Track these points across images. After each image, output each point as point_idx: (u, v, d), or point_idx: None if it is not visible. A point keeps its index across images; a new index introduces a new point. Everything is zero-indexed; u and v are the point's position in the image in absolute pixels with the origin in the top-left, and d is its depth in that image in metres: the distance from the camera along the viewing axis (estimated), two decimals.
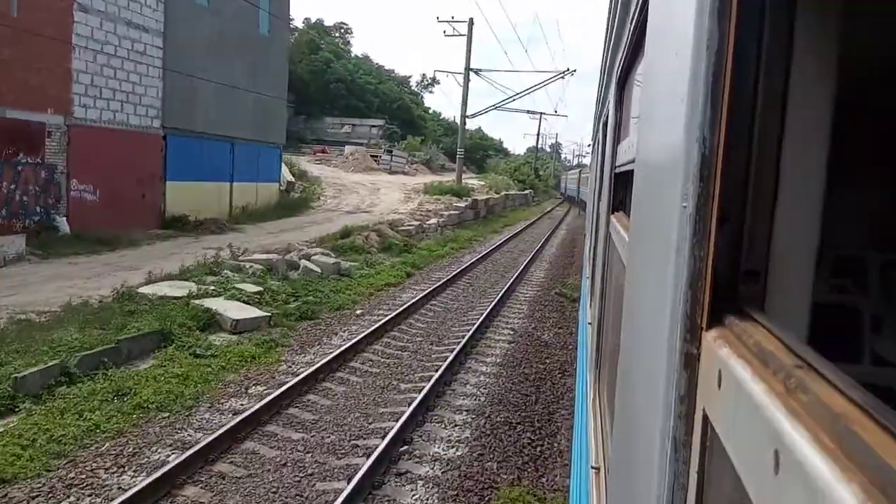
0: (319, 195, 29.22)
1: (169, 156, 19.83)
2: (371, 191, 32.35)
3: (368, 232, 19.78)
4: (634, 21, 1.76)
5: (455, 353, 9.51)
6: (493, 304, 13.23)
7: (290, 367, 8.77)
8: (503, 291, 14.69)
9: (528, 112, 35.00)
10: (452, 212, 28.45)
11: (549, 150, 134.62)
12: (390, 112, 66.20)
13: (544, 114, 35.54)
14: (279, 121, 26.44)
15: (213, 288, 11.33)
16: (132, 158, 18.34)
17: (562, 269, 20.85)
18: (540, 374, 9.37)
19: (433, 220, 25.48)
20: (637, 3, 1.65)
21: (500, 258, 21.28)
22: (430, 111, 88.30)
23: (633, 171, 1.36)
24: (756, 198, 0.67)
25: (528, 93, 33.55)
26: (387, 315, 11.53)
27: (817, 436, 0.43)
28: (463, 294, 14.75)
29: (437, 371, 8.64)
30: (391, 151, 46.20)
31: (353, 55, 70.22)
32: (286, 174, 28.62)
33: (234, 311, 10.39)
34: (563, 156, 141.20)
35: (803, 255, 0.70)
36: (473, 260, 19.37)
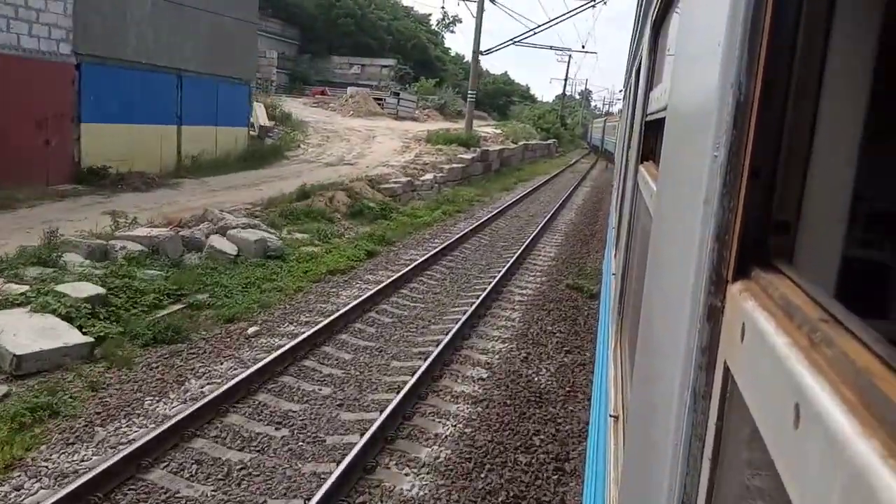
0: (300, 143, 24.95)
1: (84, 91, 15.62)
2: (365, 138, 27.98)
3: (335, 192, 15.57)
4: None
5: (363, 443, 5.27)
6: (474, 307, 9.06)
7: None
8: (494, 283, 10.50)
9: (551, 48, 29.99)
10: (456, 165, 24.05)
11: (578, 97, 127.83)
12: (404, 52, 60.86)
13: (571, 50, 30.46)
14: (247, 50, 21.95)
15: (23, 290, 7.29)
16: (26, 94, 14.21)
17: (581, 243, 16.57)
18: (522, 477, 5.23)
19: (429, 176, 21.16)
20: None
21: (503, 227, 16.98)
22: (452, 53, 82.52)
23: (664, 118, 1.35)
24: (790, 149, 0.66)
25: (553, 24, 28.51)
26: (295, 337, 7.42)
27: (839, 390, 0.43)
28: (434, 289, 10.55)
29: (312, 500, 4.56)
30: (398, 94, 41.43)
31: None
32: (260, 117, 24.32)
33: (31, 336, 6.37)
34: (593, 104, 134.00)
35: (836, 208, 0.69)
36: (466, 230, 15.12)
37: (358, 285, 10.11)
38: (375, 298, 9.32)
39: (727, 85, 0.69)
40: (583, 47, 31.41)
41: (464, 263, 12.49)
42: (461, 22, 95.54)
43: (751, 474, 0.63)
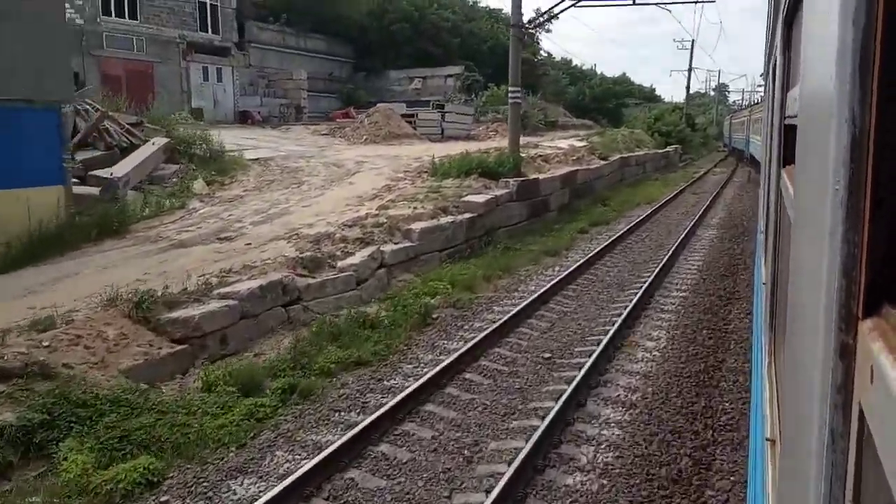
0: (203, 195, 15.11)
1: None
2: (336, 178, 17.68)
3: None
4: None
5: None
6: None
7: None
8: None
9: (633, 2, 18.08)
10: (446, 220, 13.10)
11: (713, 93, 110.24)
12: (479, 57, 50.36)
13: (666, 2, 18.46)
14: (55, 59, 12.43)
15: None
16: None
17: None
18: None
19: (358, 257, 10.41)
20: None
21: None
22: (543, 55, 70.98)
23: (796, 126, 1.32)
24: None
25: None
26: None
27: None
28: None
29: None
30: (442, 107, 30.96)
31: None
32: (129, 164, 14.77)
33: None
34: (731, 99, 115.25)
35: None
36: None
37: None
38: None
39: (843, 115, 0.68)
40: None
41: None
42: (557, 19, 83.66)
43: None
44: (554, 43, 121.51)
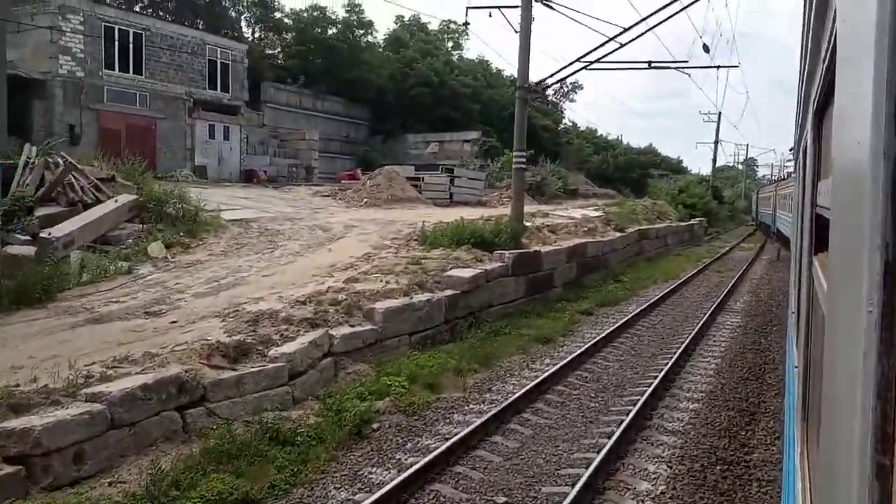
0: (161, 258, 13.57)
1: None
2: (317, 243, 16.10)
3: None
4: (827, 56, 1.62)
5: None
6: None
7: None
8: None
9: (649, 66, 16.66)
10: (421, 297, 11.29)
11: (741, 166, 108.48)
12: (498, 123, 49.57)
13: (688, 66, 17.07)
14: None
15: None
16: None
17: None
18: None
19: (297, 345, 8.58)
20: (829, 37, 1.48)
21: None
22: (568, 124, 70.51)
23: (829, 220, 1.31)
24: None
25: (651, 23, 15.35)
26: None
27: None
28: None
29: None
30: (451, 170, 29.63)
31: (456, 56, 54.86)
32: (83, 220, 13.37)
33: None
34: (760, 173, 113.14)
35: None
36: None
37: None
38: None
39: (875, 242, 0.70)
40: (711, 60, 17.72)
41: None
42: (582, 89, 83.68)
43: None
44: (574, 111, 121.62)
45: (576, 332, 12.94)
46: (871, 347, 0.70)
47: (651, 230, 28.47)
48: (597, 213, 27.20)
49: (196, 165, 29.85)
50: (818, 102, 2.24)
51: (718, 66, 20.76)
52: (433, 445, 6.88)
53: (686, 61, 18.39)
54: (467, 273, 12.61)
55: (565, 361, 10.34)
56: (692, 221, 40.81)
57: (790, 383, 4.26)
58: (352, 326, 9.77)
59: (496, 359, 10.56)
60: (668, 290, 18.67)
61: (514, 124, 19.04)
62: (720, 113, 63.25)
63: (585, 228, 21.80)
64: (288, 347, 8.48)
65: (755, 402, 8.89)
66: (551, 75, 17.94)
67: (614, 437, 7.02)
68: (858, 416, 0.73)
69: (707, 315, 14.64)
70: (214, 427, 7.00)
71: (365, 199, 24.51)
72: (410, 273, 12.40)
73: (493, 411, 7.83)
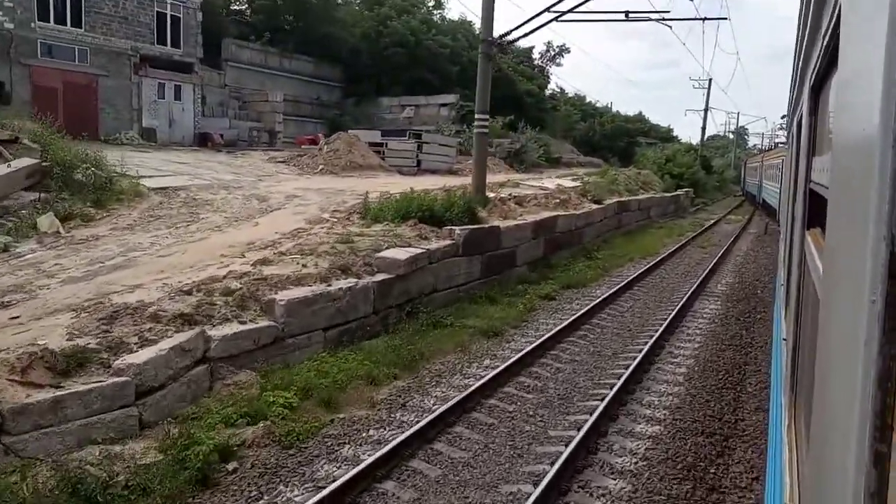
0: (42, 234, 11.63)
1: None
2: (244, 216, 14.18)
3: None
4: (830, 27, 1.57)
5: None
6: None
7: None
8: None
9: (626, 16, 14.63)
10: (340, 285, 9.44)
11: (731, 135, 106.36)
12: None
13: (669, 18, 15.12)
14: None
15: None
16: None
17: None
18: None
19: (139, 357, 6.73)
20: (833, 6, 1.47)
21: None
22: (556, 90, 68.21)
23: (826, 198, 1.29)
24: None
25: None
26: None
27: None
28: None
29: None
30: (419, 136, 27.51)
31: (437, 15, 52.07)
32: None
33: None
34: (750, 143, 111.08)
35: None
36: None
37: None
38: None
39: (880, 232, 0.69)
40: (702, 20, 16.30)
41: None
42: (569, 52, 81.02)
43: None
44: (563, 80, 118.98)
45: (530, 323, 11.20)
46: (872, 337, 0.70)
47: (632, 202, 26.67)
48: (574, 184, 25.32)
49: (144, 128, 27.61)
50: (817, 75, 2.19)
51: (704, 19, 18.70)
52: (297, 499, 5.12)
53: (668, 11, 16.27)
54: (404, 254, 10.75)
55: (508, 363, 8.60)
56: (678, 192, 39.07)
57: (778, 354, 4.13)
58: (242, 323, 7.95)
59: (426, 360, 8.80)
60: (644, 268, 16.96)
61: (478, 83, 17.07)
62: (710, 79, 61.24)
63: (557, 200, 19.95)
64: (141, 355, 6.65)
65: (731, 423, 7.20)
66: (518, 27, 15.84)
67: (542, 485, 5.29)
68: (857, 404, 0.73)
69: (684, 300, 12.93)
70: (17, 469, 5.23)
71: (320, 167, 22.46)
72: (336, 254, 10.56)
73: (396, 441, 6.08)
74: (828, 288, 1.19)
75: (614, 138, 67.34)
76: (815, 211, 2.36)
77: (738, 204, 49.54)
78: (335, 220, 13.72)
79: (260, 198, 16.33)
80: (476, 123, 16.87)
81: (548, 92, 67.37)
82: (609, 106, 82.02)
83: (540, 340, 9.79)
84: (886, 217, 0.67)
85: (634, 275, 15.89)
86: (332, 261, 10.19)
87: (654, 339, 10.05)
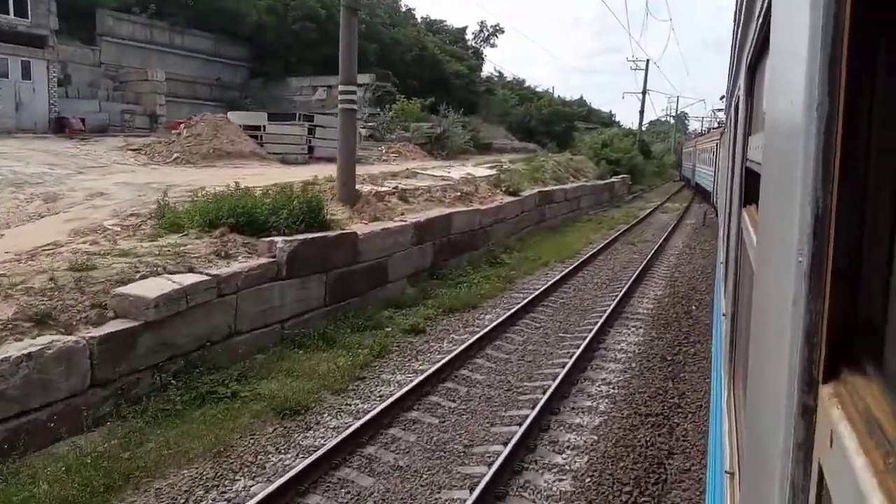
0: None
1: None
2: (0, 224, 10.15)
3: None
4: (762, 10, 1.63)
5: None
6: None
7: None
8: None
9: None
10: (6, 354, 5.62)
11: (672, 120, 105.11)
12: (401, 67, 43.46)
13: None
14: None
15: None
16: None
17: None
18: None
19: None
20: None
21: None
22: (493, 73, 64.90)
23: (760, 174, 1.32)
24: (873, 248, 0.66)
25: None
26: None
27: None
28: None
29: None
30: (312, 119, 23.56)
31: None
32: None
33: None
34: (690, 128, 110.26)
35: None
36: None
37: None
38: None
39: (806, 198, 0.71)
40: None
41: None
42: (503, 32, 77.92)
43: None
44: (492, 64, 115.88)
45: (367, 383, 7.61)
46: (800, 295, 0.72)
47: (558, 192, 23.38)
48: (489, 172, 21.85)
49: None
50: (751, 57, 2.28)
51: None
52: None
53: None
54: (156, 290, 6.96)
55: (288, 477, 5.01)
56: (613, 179, 36.24)
57: (718, 330, 4.18)
58: None
59: (135, 486, 5.11)
60: (559, 276, 13.63)
61: (340, 47, 13.42)
62: (647, 60, 58.89)
63: (458, 193, 16.41)
64: None
65: None
66: None
67: None
68: (786, 359, 0.76)
69: (595, 330, 9.56)
70: None
71: (175, 155, 18.32)
72: (43, 291, 6.71)
73: None
74: (761, 258, 1.21)
75: (552, 123, 64.26)
76: (751, 188, 2.41)
77: (678, 190, 47.28)
78: (121, 228, 9.82)
79: (50, 197, 12.25)
80: (340, 98, 13.25)
81: (483, 75, 64.04)
82: (551, 90, 79.20)
83: (365, 420, 6.23)
84: (811, 182, 0.69)
85: (544, 287, 12.51)
86: (25, 304, 6.36)
87: (538, 406, 6.60)
